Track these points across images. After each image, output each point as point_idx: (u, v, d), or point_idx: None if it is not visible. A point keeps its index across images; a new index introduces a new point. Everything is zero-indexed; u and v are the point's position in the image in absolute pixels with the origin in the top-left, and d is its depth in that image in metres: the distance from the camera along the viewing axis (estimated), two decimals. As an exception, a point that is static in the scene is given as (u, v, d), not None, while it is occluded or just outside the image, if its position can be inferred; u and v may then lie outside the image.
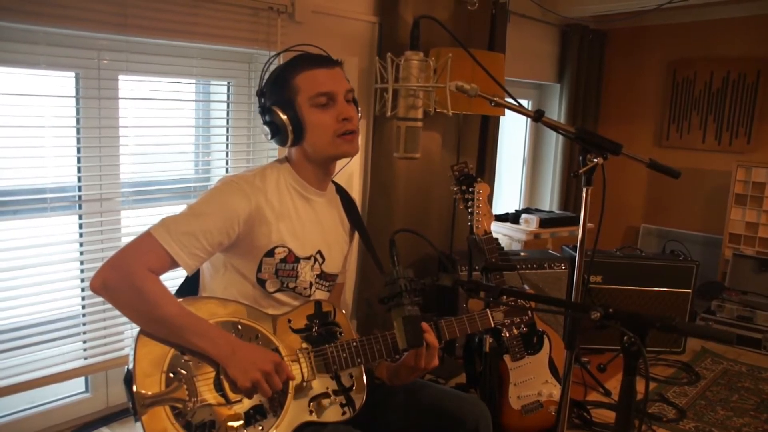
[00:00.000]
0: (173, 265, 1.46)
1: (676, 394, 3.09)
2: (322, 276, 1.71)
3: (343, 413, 1.56)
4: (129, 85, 2.43)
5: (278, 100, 1.60)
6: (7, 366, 2.22)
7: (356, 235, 1.87)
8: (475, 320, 1.80)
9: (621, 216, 4.83)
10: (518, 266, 3.19)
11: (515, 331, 2.47)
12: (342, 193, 1.83)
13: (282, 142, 1.63)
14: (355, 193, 3.24)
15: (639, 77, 4.69)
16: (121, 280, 1.41)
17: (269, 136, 1.63)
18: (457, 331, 1.76)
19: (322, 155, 1.64)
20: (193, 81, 2.71)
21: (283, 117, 1.58)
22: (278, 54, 1.78)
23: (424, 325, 1.58)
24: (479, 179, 2.48)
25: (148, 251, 1.44)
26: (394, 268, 1.46)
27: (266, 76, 1.67)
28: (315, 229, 1.68)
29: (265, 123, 1.63)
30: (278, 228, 1.59)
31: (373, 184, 3.22)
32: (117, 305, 1.44)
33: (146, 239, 1.46)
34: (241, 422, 1.44)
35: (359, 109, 1.69)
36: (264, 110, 1.64)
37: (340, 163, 1.73)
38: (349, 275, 3.25)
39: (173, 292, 1.62)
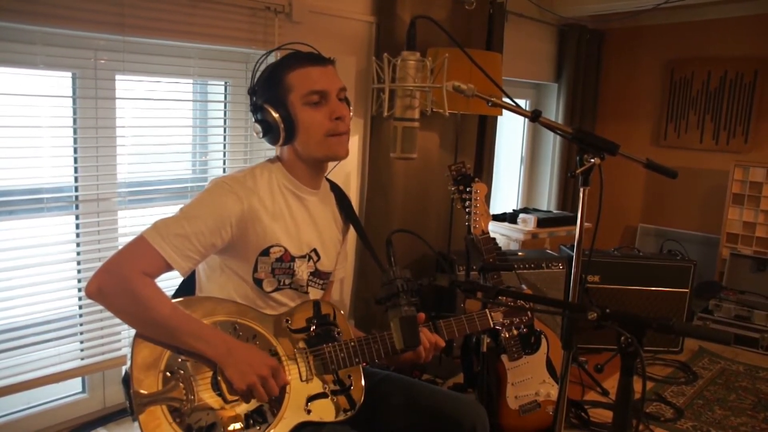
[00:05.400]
0: (167, 268, 1.46)
1: (674, 394, 3.09)
2: (316, 274, 1.71)
3: (341, 413, 1.55)
4: (126, 85, 2.42)
5: (270, 98, 1.60)
6: (4, 366, 2.21)
7: (351, 233, 1.87)
8: (474, 320, 1.80)
9: (618, 216, 4.83)
10: (516, 266, 3.19)
11: (515, 332, 2.47)
12: (336, 190, 1.83)
13: (273, 141, 1.62)
14: (353, 193, 3.24)
15: (636, 77, 4.69)
16: (116, 285, 1.41)
17: (260, 135, 1.62)
18: (456, 331, 1.76)
19: (312, 156, 1.63)
20: (191, 81, 2.70)
21: (275, 115, 1.58)
22: (269, 52, 1.78)
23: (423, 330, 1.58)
24: (477, 179, 2.48)
25: (142, 255, 1.44)
26: (391, 268, 1.46)
27: (258, 74, 1.67)
28: (309, 228, 1.68)
29: (256, 121, 1.62)
30: (272, 227, 1.58)
31: (371, 184, 3.22)
32: (113, 310, 1.44)
33: (139, 243, 1.46)
34: (239, 422, 1.43)
35: (351, 108, 1.69)
36: (255, 108, 1.63)
37: (332, 162, 1.73)
38: (346, 275, 3.26)
39: (170, 294, 1.62)
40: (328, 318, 1.64)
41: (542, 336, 2.55)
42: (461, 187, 2.47)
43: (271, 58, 1.77)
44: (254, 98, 1.65)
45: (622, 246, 3.95)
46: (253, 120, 1.64)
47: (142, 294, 1.41)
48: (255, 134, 1.64)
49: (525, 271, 3.28)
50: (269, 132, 1.60)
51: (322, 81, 1.59)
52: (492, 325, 1.83)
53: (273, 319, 1.58)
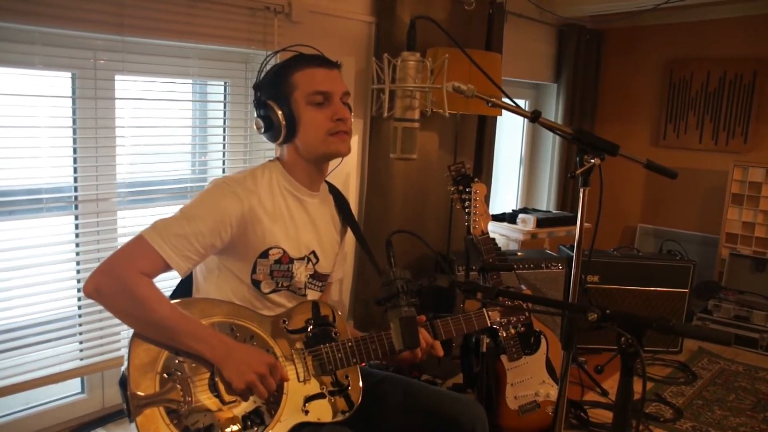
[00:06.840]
0: (166, 268, 1.46)
1: (673, 394, 3.09)
2: (315, 276, 1.71)
3: (339, 414, 1.55)
4: (125, 85, 2.42)
5: (274, 95, 1.61)
6: (4, 367, 2.21)
7: (350, 234, 1.86)
8: (471, 320, 1.80)
9: (618, 216, 4.83)
10: (515, 266, 3.19)
11: (512, 331, 2.47)
12: (335, 193, 1.83)
13: (274, 138, 1.63)
14: (352, 194, 3.24)
15: (636, 77, 4.69)
16: (114, 285, 1.41)
17: (262, 130, 1.63)
18: (453, 330, 1.76)
19: (314, 154, 1.64)
20: (190, 81, 2.70)
21: (278, 112, 1.59)
22: (277, 52, 1.79)
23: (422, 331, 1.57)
24: (476, 179, 2.48)
25: (141, 255, 1.44)
26: (390, 269, 1.46)
27: (264, 72, 1.67)
28: (308, 230, 1.68)
29: (259, 117, 1.63)
30: (272, 229, 1.58)
31: (370, 184, 3.22)
32: (111, 310, 1.44)
33: (138, 243, 1.45)
34: (236, 423, 1.43)
35: (352, 114, 1.69)
36: (259, 104, 1.64)
37: (333, 163, 1.73)
38: (346, 276, 3.26)
39: (168, 294, 1.61)
40: (326, 319, 1.64)
41: (542, 336, 2.55)
42: (461, 188, 2.48)
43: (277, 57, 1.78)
44: (258, 94, 1.65)
45: (622, 246, 3.95)
46: (256, 115, 1.65)
47: (140, 294, 1.40)
48: (256, 129, 1.65)
49: (524, 271, 3.28)
50: (270, 128, 1.61)
51: (327, 82, 1.60)
52: (489, 325, 1.83)
53: (270, 320, 1.58)
